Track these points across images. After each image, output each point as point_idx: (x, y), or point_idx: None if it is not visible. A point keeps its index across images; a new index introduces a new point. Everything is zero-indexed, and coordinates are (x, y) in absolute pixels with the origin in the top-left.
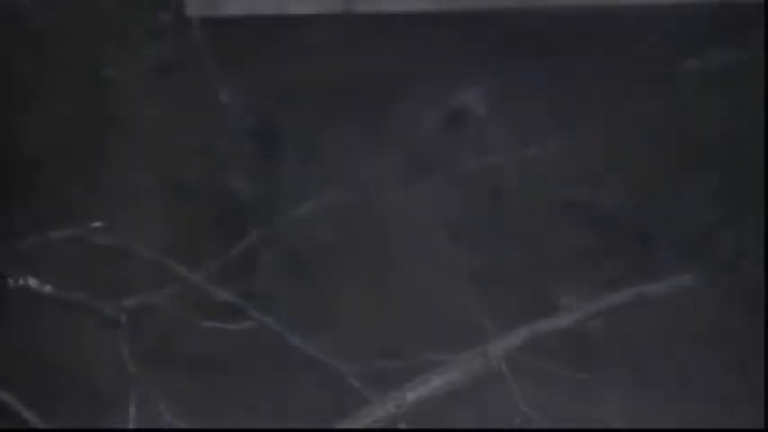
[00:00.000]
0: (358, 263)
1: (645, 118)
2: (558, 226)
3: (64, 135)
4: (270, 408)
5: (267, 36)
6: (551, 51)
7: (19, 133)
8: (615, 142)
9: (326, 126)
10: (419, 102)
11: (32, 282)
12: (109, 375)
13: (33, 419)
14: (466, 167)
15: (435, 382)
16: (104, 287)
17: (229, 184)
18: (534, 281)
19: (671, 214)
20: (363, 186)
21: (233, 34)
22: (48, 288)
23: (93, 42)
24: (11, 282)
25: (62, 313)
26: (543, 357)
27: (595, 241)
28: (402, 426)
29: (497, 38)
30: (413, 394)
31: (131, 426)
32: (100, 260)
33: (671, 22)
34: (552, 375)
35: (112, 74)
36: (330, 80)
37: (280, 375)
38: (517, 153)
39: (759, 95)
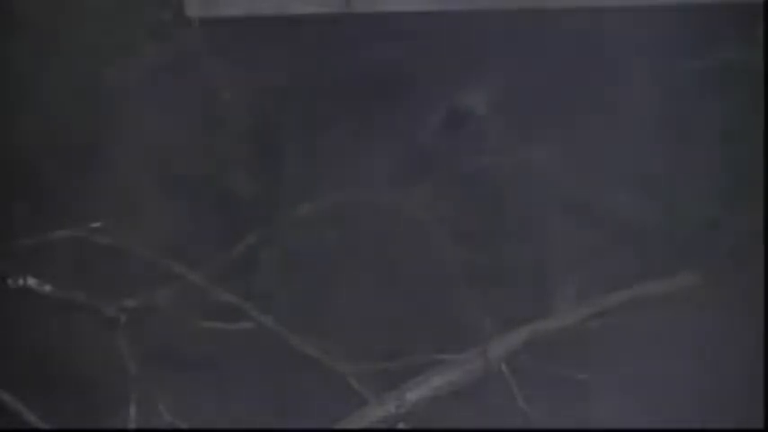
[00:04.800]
0: (358, 263)
1: (645, 118)
2: (557, 226)
3: (64, 135)
4: (270, 408)
5: (267, 36)
6: (551, 51)
7: (19, 133)
8: (615, 142)
9: (326, 126)
10: (419, 102)
11: (32, 282)
12: (109, 375)
13: (33, 419)
14: (466, 167)
15: (435, 382)
16: (104, 287)
17: (229, 184)
18: (534, 281)
19: (671, 214)
20: (363, 186)
21: (233, 34)
22: (48, 288)
23: (93, 42)
24: (11, 282)
25: (62, 313)
26: (543, 357)
27: (595, 241)
28: (402, 426)
29: (497, 38)
30: (413, 394)
31: (131, 426)
32: (100, 260)
33: (671, 22)
34: (552, 375)
35: (112, 74)
36: (330, 80)
37: (280, 375)
38: (517, 153)
39: (759, 95)
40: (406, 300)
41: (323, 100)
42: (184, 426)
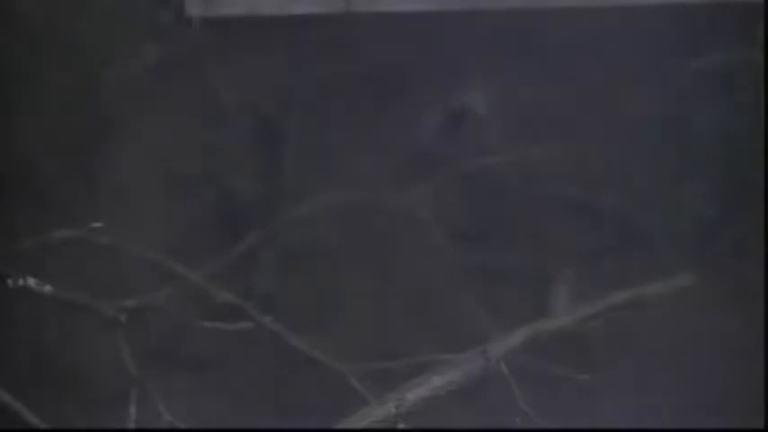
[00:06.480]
0: (358, 263)
1: (645, 118)
2: (557, 226)
3: (64, 135)
4: (270, 408)
5: (267, 36)
6: (551, 51)
7: (18, 133)
8: (615, 142)
9: (326, 126)
10: (419, 102)
11: (32, 282)
12: (109, 375)
13: (33, 419)
14: (466, 167)
15: (435, 382)
16: (104, 287)
17: (229, 184)
18: (534, 281)
19: (671, 214)
20: (363, 186)
21: (233, 34)
22: (48, 288)
23: (94, 42)
24: (11, 282)
25: (62, 313)
26: (543, 357)
27: (595, 241)
28: (402, 426)
29: (497, 38)
30: (413, 394)
31: (131, 426)
32: (100, 260)
33: (671, 21)
34: (552, 375)
35: (112, 74)
36: (330, 80)
37: (280, 375)
38: (517, 153)
39: (759, 95)
40: (406, 299)
41: (323, 100)
42: (184, 426)
